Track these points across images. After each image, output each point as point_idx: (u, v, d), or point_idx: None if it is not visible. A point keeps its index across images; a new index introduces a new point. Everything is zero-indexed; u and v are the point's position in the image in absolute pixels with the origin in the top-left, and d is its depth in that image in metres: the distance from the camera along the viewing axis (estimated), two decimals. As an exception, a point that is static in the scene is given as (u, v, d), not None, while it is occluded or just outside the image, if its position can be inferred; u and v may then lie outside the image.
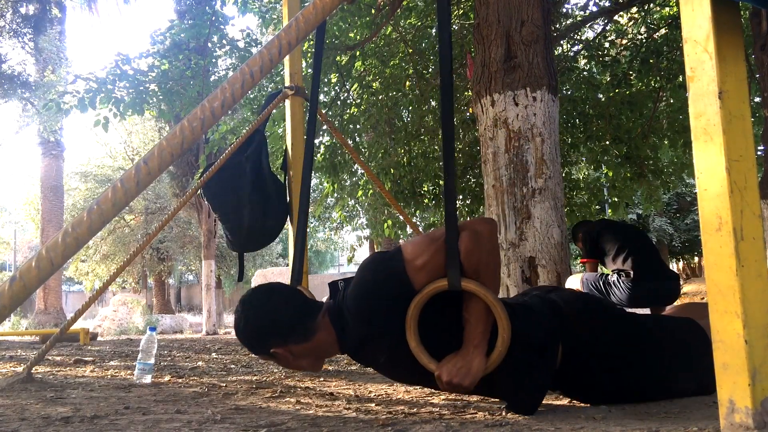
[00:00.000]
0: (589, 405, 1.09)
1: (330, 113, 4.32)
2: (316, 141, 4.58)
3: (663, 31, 4.32)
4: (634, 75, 4.27)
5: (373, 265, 1.00)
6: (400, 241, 5.67)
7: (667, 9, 4.48)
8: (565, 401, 1.16)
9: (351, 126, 4.40)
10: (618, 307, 1.22)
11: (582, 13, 4.60)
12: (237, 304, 1.08)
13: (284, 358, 1.04)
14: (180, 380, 1.68)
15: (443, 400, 1.22)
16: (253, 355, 1.02)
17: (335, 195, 5.26)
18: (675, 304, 2.22)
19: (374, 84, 4.46)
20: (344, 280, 1.07)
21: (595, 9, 4.51)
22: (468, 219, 0.98)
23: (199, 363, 2.26)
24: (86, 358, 2.46)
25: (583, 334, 1.06)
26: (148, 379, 1.63)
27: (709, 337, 1.02)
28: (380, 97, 4.39)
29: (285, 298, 1.07)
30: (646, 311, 2.28)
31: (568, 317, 1.07)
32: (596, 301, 1.22)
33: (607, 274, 2.55)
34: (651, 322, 1.20)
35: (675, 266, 14.33)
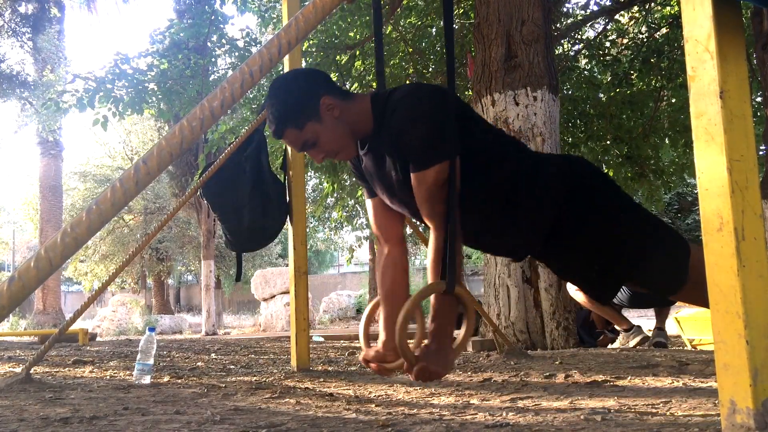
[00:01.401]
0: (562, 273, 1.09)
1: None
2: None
3: (664, 30, 4.32)
4: (634, 74, 4.27)
5: (432, 122, 0.94)
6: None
7: (668, 8, 4.47)
8: (566, 402, 1.16)
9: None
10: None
11: (583, 12, 4.60)
12: (271, 88, 1.03)
13: (331, 116, 0.98)
14: (179, 381, 1.67)
15: (443, 400, 1.22)
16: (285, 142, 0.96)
17: (335, 195, 5.25)
18: (677, 304, 2.22)
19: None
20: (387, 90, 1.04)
21: (595, 8, 4.51)
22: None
23: (199, 363, 2.25)
24: (85, 359, 2.46)
25: (583, 181, 1.05)
26: (147, 379, 1.62)
27: (690, 250, 1.00)
28: (380, 97, 4.38)
29: (314, 69, 1.11)
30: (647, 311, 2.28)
31: (575, 163, 1.09)
32: (603, 172, 1.20)
33: None
34: (646, 211, 1.14)
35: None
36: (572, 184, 1.03)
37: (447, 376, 1.06)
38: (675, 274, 1.02)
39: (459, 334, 0.96)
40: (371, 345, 1.06)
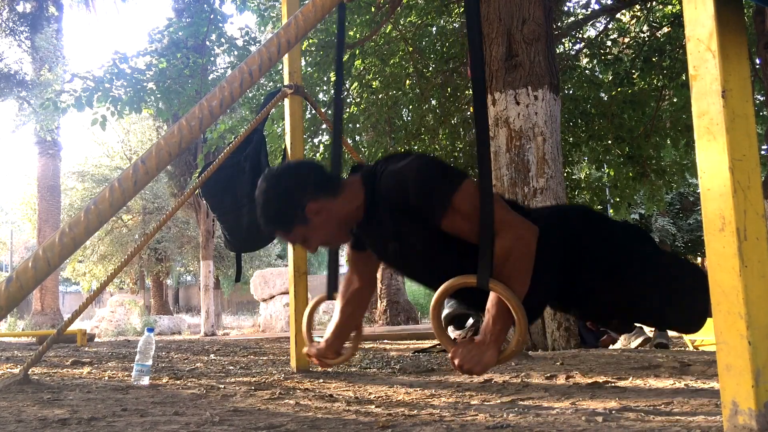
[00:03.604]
0: (582, 319, 1.11)
1: (329, 112, 4.31)
2: (315, 140, 4.56)
3: (666, 29, 4.31)
4: (636, 74, 4.26)
5: (428, 168, 0.99)
6: None
7: (669, 7, 4.47)
8: (567, 403, 1.15)
9: (351, 125, 4.39)
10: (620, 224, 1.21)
11: (584, 11, 4.60)
12: (259, 186, 1.05)
13: (318, 218, 1.01)
14: (178, 382, 1.66)
15: (444, 401, 1.21)
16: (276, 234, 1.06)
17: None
18: None
19: (374, 83, 4.45)
20: (380, 160, 1.07)
21: (597, 7, 4.51)
22: (512, 216, 0.98)
23: (198, 364, 2.24)
24: (83, 360, 2.45)
25: (585, 242, 1.07)
26: (145, 380, 1.62)
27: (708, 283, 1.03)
28: (380, 96, 4.38)
29: (306, 161, 1.16)
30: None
31: (572, 217, 1.12)
32: (603, 217, 1.23)
33: None
34: (654, 249, 1.16)
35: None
36: (572, 242, 1.05)
37: (447, 376, 1.06)
38: (696, 313, 1.04)
39: (510, 340, 0.97)
40: (314, 342, 1.26)
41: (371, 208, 1.03)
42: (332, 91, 4.42)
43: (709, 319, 0.90)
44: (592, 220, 1.14)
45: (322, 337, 1.25)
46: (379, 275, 6.96)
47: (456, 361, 0.97)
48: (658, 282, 1.05)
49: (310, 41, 4.00)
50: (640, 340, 2.42)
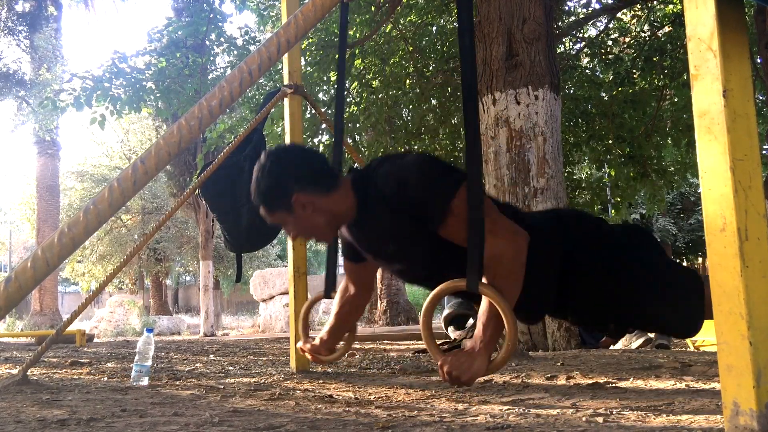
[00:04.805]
0: (577, 325, 1.12)
1: (329, 112, 4.31)
2: (315, 140, 4.56)
3: (667, 28, 4.31)
4: (637, 73, 4.26)
5: (422, 174, 0.97)
6: None
7: (670, 6, 4.47)
8: (567, 403, 1.15)
9: (350, 125, 4.39)
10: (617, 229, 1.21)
11: (584, 10, 4.60)
12: (260, 158, 1.05)
13: (303, 211, 1.00)
14: (177, 382, 1.66)
15: (444, 402, 1.21)
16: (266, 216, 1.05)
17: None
18: None
19: (374, 82, 4.44)
20: (374, 160, 1.07)
21: (597, 6, 4.50)
22: (503, 221, 0.98)
23: (197, 365, 2.24)
24: (82, 360, 2.45)
25: (580, 246, 1.07)
26: (145, 381, 1.61)
27: (704, 287, 1.02)
28: (380, 96, 4.37)
29: (310, 150, 1.12)
30: None
31: (567, 223, 1.11)
32: (599, 222, 1.22)
33: None
34: (650, 253, 1.16)
35: (679, 267, 14.31)
36: (568, 248, 1.05)
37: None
38: (692, 319, 1.04)
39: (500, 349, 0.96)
40: (310, 337, 1.32)
41: (365, 209, 1.02)
42: (332, 91, 4.41)
43: (709, 320, 0.90)
44: (587, 226, 1.13)
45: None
46: (378, 275, 6.96)
47: (444, 371, 0.96)
48: (654, 289, 1.05)
49: (310, 41, 4.00)
50: (641, 340, 2.42)
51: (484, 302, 0.96)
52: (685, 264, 14.97)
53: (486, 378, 1.53)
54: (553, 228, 1.09)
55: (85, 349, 3.31)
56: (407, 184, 0.96)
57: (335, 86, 1.47)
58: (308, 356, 1.29)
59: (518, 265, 0.96)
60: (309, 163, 1.04)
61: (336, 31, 3.97)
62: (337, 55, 4.05)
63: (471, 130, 0.98)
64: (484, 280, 0.94)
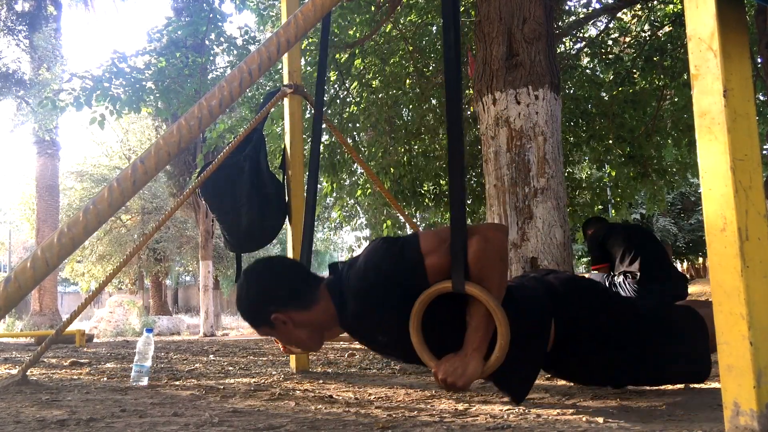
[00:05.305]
0: (578, 385, 1.12)
1: (329, 112, 4.31)
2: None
3: (667, 28, 4.31)
4: (637, 73, 4.26)
5: (387, 253, 0.99)
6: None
7: (671, 6, 4.47)
8: (568, 403, 1.15)
9: (350, 125, 4.39)
10: (613, 291, 1.24)
11: (585, 10, 4.60)
12: (242, 275, 1.09)
13: (284, 327, 1.03)
14: (177, 383, 1.66)
15: (444, 402, 1.21)
16: (256, 333, 1.07)
17: (334, 195, 5.25)
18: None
19: (374, 82, 4.44)
20: (345, 262, 1.09)
21: (598, 6, 4.50)
22: (480, 223, 1.00)
23: (197, 365, 2.24)
24: (82, 361, 2.45)
25: (575, 313, 1.08)
26: (144, 381, 1.61)
27: (706, 325, 1.02)
28: (380, 96, 4.37)
29: (288, 266, 1.12)
30: None
31: (562, 296, 1.10)
32: (591, 283, 1.24)
33: (613, 275, 2.55)
34: (645, 307, 1.20)
35: (679, 267, 14.43)
36: (557, 311, 1.06)
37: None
38: (701, 364, 1.06)
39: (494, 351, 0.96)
40: None
41: (346, 311, 1.02)
42: (332, 91, 4.40)
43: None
44: (581, 289, 1.14)
45: None
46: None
47: (439, 378, 0.96)
48: (653, 348, 1.08)
49: (310, 40, 3.99)
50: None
51: (472, 303, 0.95)
52: (685, 265, 14.94)
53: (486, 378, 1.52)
54: (545, 292, 1.09)
55: (85, 350, 3.30)
56: (380, 263, 0.97)
57: (313, 122, 1.52)
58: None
59: (501, 259, 0.96)
60: (288, 280, 1.06)
61: (335, 30, 3.97)
62: (337, 55, 4.07)
63: (453, 132, 1.00)
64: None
